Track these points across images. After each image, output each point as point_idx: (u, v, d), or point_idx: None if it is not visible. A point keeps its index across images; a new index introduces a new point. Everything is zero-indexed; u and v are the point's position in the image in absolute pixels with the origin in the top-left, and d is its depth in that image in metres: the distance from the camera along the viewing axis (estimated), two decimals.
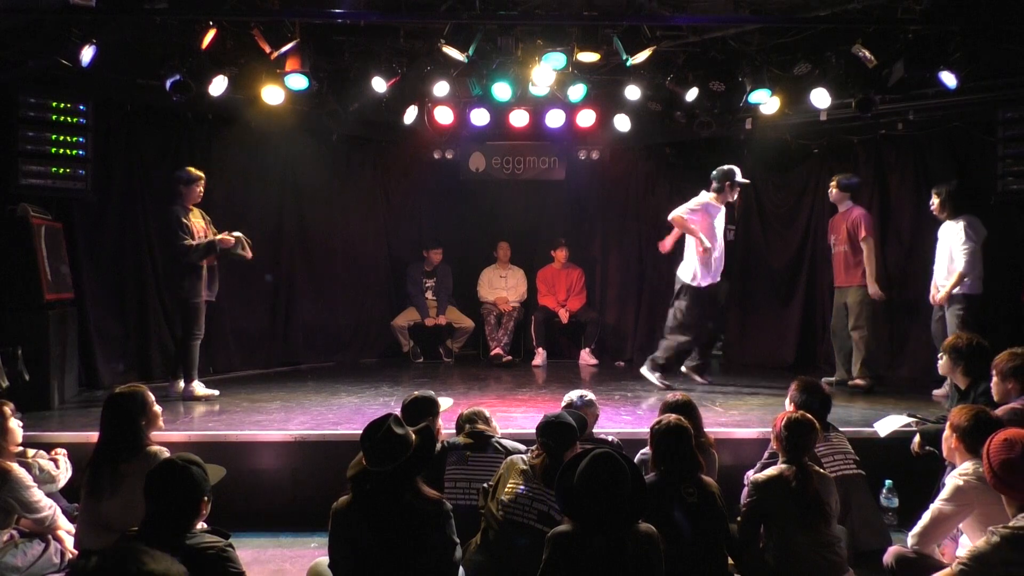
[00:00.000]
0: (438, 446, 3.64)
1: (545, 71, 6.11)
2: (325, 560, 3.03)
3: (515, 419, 5.08)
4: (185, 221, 5.77)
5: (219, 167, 7.09)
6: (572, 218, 8.86)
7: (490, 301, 8.31)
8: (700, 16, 5.99)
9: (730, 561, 3.37)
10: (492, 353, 8.00)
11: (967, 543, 3.22)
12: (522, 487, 3.35)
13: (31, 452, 3.97)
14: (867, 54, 5.74)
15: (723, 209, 6.42)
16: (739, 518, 3.46)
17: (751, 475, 3.64)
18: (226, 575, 2.59)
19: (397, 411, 3.46)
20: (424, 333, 8.30)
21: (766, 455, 3.90)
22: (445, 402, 4.18)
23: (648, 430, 3.48)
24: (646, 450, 3.66)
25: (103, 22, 5.30)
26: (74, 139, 5.89)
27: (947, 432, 3.46)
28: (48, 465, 3.90)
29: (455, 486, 3.71)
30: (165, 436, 4.21)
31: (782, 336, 7.86)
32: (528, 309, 8.38)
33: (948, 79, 5.75)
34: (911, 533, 3.32)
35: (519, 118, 7.21)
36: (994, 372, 4.06)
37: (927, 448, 4.08)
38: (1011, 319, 6.14)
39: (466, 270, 8.62)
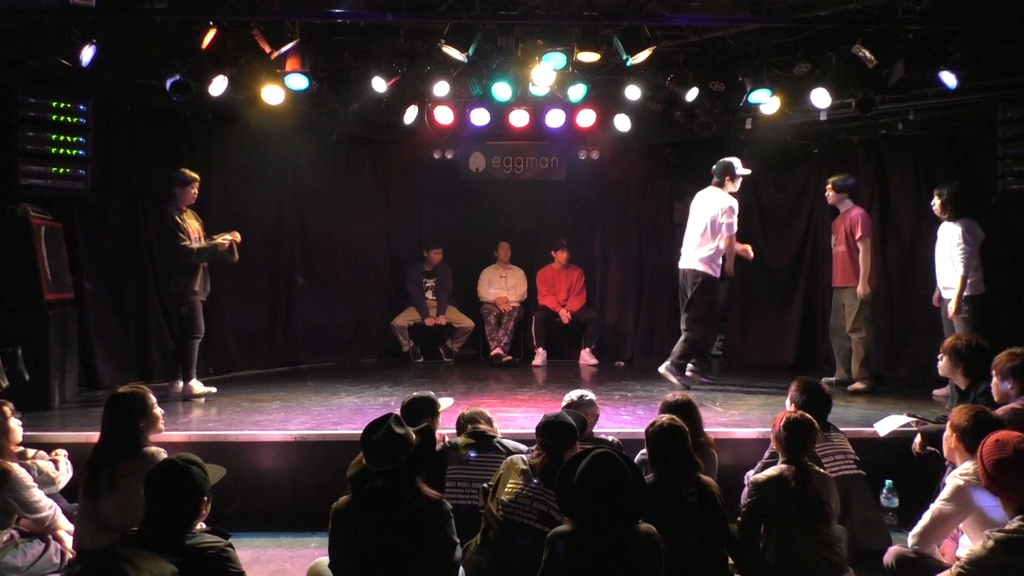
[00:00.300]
0: (439, 446, 3.64)
1: (545, 71, 6.11)
2: (325, 560, 3.04)
3: (515, 419, 5.08)
4: (180, 222, 5.78)
5: (219, 167, 7.10)
6: (572, 218, 8.86)
7: (490, 301, 8.31)
8: (700, 16, 5.99)
9: (730, 561, 3.37)
10: (492, 353, 8.00)
11: (967, 543, 3.22)
12: (522, 487, 3.35)
13: (31, 452, 3.98)
14: (867, 54, 5.74)
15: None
16: (739, 518, 3.46)
17: (751, 475, 3.64)
18: (226, 575, 2.60)
19: (397, 411, 3.46)
20: (424, 333, 8.30)
21: (766, 455, 3.90)
22: (445, 402, 4.19)
23: None
24: (646, 450, 3.66)
25: (103, 22, 5.30)
26: (74, 139, 5.89)
27: (947, 432, 3.47)
28: (47, 466, 3.90)
29: (455, 486, 3.71)
30: (165, 436, 4.20)
31: (782, 336, 7.86)
32: (528, 309, 8.38)
33: (948, 79, 5.75)
34: (911, 533, 3.33)
35: (519, 118, 7.21)
36: (994, 372, 4.06)
37: (928, 448, 4.08)
38: (1011, 319, 6.14)
39: (466, 270, 8.62)
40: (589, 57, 5.94)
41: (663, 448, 3.28)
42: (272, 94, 6.25)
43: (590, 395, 4.16)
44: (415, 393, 4.02)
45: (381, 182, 8.58)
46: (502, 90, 6.28)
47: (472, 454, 3.76)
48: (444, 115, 7.18)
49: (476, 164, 8.49)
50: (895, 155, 7.20)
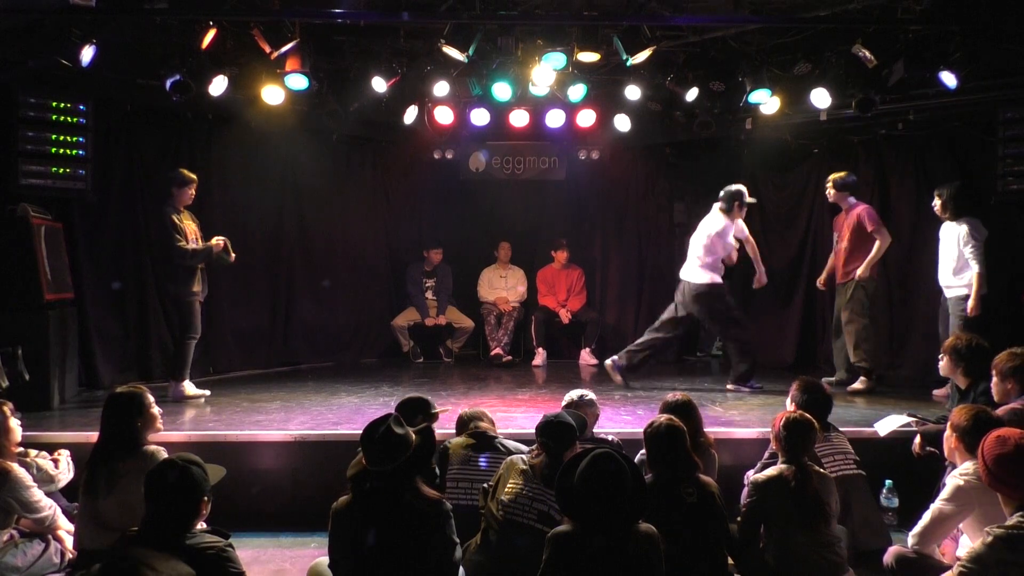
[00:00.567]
0: (440, 446, 3.64)
1: (545, 71, 6.11)
2: (325, 560, 3.04)
3: (515, 419, 5.07)
4: (177, 222, 5.77)
5: (219, 167, 7.10)
6: (572, 218, 8.86)
7: (490, 301, 8.31)
8: (700, 16, 5.99)
9: (730, 561, 3.37)
10: (492, 353, 8.00)
11: (967, 543, 3.22)
12: (522, 487, 3.35)
13: (32, 452, 3.98)
14: (867, 54, 5.74)
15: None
16: (739, 518, 3.46)
17: (751, 475, 3.64)
18: (226, 575, 2.60)
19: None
20: (424, 333, 8.30)
21: (766, 455, 3.90)
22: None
23: None
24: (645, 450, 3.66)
25: (103, 22, 5.30)
26: (74, 139, 5.89)
27: (947, 432, 3.46)
28: (47, 465, 3.90)
29: (456, 486, 3.70)
30: (165, 436, 4.20)
31: (782, 336, 7.86)
32: (528, 309, 8.38)
33: (948, 79, 5.75)
34: (911, 533, 3.33)
35: (519, 118, 7.21)
36: (994, 372, 4.06)
37: (928, 448, 4.08)
38: (1011, 319, 6.14)
39: (466, 270, 8.62)
40: (589, 57, 5.94)
41: (661, 449, 3.28)
42: (272, 94, 6.25)
43: (590, 395, 4.16)
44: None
45: (381, 182, 8.58)
46: (502, 90, 6.28)
47: (483, 462, 3.75)
48: (444, 115, 7.18)
49: (476, 164, 8.49)
50: (895, 155, 7.20)
